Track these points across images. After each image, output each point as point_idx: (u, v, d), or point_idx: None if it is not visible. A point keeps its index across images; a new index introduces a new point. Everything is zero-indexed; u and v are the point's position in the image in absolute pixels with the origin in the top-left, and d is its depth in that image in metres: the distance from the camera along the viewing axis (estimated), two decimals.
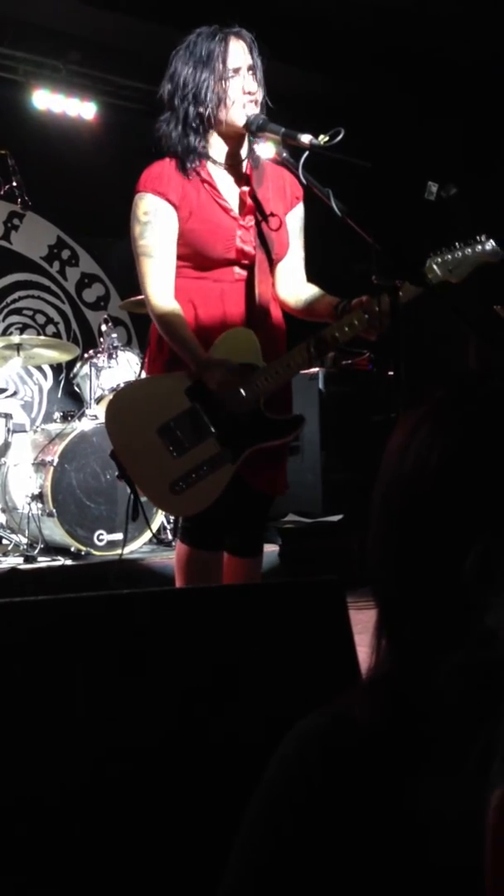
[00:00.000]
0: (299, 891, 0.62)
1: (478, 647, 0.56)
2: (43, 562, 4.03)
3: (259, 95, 2.33)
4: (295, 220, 2.49)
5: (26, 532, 4.17)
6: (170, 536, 4.41)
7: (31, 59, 5.39)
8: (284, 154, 2.23)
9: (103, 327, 4.83)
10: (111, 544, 4.08)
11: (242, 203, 2.37)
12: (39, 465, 4.15)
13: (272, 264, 2.41)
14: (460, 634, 0.57)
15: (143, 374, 2.57)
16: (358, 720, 0.63)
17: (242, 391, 2.26)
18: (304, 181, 2.17)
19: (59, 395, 5.61)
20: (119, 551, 3.93)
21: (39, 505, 4.07)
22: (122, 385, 4.31)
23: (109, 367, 4.52)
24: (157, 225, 2.32)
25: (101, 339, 4.78)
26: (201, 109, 2.30)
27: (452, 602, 0.60)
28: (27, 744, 0.97)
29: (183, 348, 2.28)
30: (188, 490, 2.26)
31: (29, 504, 4.09)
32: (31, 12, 5.14)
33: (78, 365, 4.72)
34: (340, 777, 0.62)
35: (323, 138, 2.17)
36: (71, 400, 5.41)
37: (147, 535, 4.19)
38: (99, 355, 4.57)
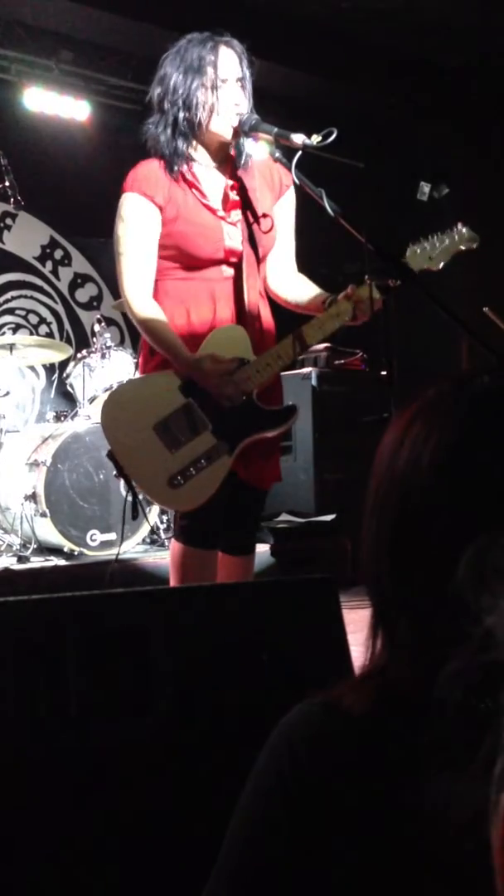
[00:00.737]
0: (290, 882, 0.62)
1: (478, 649, 0.56)
2: (36, 562, 4.02)
3: (245, 108, 2.33)
4: (285, 208, 2.48)
5: (19, 532, 4.16)
6: (163, 536, 4.41)
7: (23, 58, 5.38)
8: (277, 154, 2.24)
9: (96, 327, 4.83)
10: (104, 544, 4.08)
11: (226, 198, 2.38)
12: (32, 466, 4.14)
13: (260, 260, 2.41)
14: (456, 633, 0.57)
15: (138, 375, 2.58)
16: (350, 711, 0.63)
17: (234, 382, 2.28)
18: (297, 181, 2.18)
19: (52, 396, 5.60)
20: (112, 551, 3.93)
21: (32, 505, 4.06)
22: (115, 385, 4.30)
23: (102, 367, 4.52)
24: (139, 226, 2.34)
25: (94, 340, 4.78)
26: (190, 115, 2.32)
27: (447, 599, 0.60)
28: (20, 743, 0.98)
29: (167, 349, 2.31)
30: (186, 484, 2.28)
31: (22, 504, 4.09)
32: (23, 12, 5.13)
33: (71, 365, 4.71)
34: (329, 766, 0.62)
35: (315, 138, 2.17)
36: (64, 400, 5.41)
37: (140, 536, 4.19)
38: (92, 355, 4.56)
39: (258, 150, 2.48)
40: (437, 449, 0.64)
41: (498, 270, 5.17)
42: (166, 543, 4.29)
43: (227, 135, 2.33)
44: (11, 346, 4.42)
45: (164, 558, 3.96)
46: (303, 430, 5.11)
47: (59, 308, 6.04)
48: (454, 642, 0.56)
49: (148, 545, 4.39)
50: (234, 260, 2.37)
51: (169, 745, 0.98)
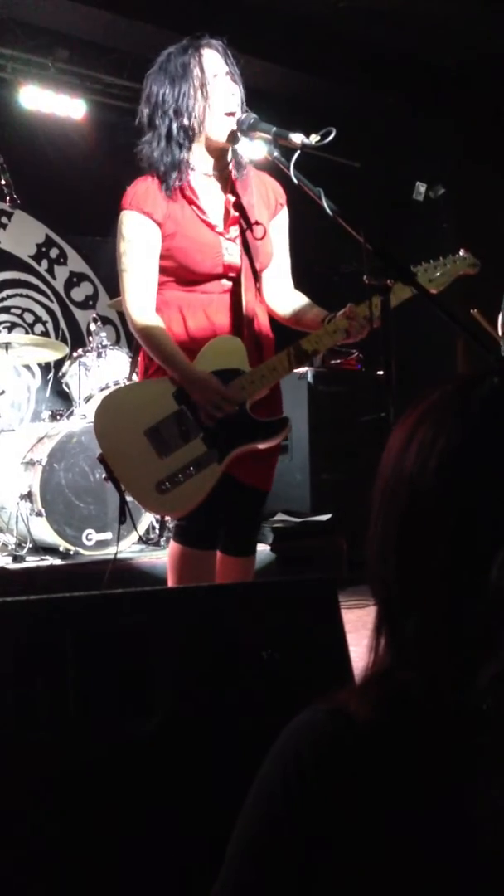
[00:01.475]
0: (295, 886, 0.62)
1: None
2: (31, 561, 4.02)
3: (239, 97, 2.34)
4: (279, 226, 2.51)
5: (15, 532, 4.16)
6: (159, 536, 4.40)
7: (19, 56, 5.37)
8: (275, 154, 2.24)
9: (92, 326, 4.82)
10: (100, 544, 4.08)
11: (227, 214, 2.39)
12: (28, 465, 4.13)
13: (258, 273, 2.43)
14: (469, 634, 0.57)
15: (136, 378, 2.58)
16: (355, 716, 0.63)
17: (228, 397, 2.29)
18: (295, 180, 2.18)
19: (48, 395, 5.59)
20: (107, 551, 3.92)
21: (28, 504, 4.06)
22: (110, 384, 4.30)
23: (98, 366, 4.51)
24: (139, 243, 2.35)
25: (90, 338, 4.77)
26: (185, 122, 2.31)
27: (458, 599, 0.60)
28: (17, 743, 0.97)
29: (168, 364, 2.32)
30: (174, 490, 2.29)
31: (17, 504, 4.08)
32: (19, 9, 5.12)
33: (66, 364, 4.71)
34: (336, 773, 0.62)
35: (314, 138, 2.17)
36: (59, 399, 5.40)
37: (135, 536, 4.18)
38: (87, 354, 4.55)
39: (256, 149, 2.48)
40: (446, 450, 0.64)
41: (495, 270, 5.17)
42: (162, 543, 4.29)
43: (223, 137, 2.33)
44: (7, 345, 4.41)
45: (160, 558, 3.96)
46: (299, 430, 5.11)
47: (55, 307, 6.03)
48: (466, 643, 0.56)
49: (144, 545, 4.39)
50: (232, 274, 2.39)
51: (168, 745, 0.98)
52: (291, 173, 2.17)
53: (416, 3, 5.26)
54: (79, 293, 6.14)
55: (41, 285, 5.96)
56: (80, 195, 5.59)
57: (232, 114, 2.31)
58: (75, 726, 0.97)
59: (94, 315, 5.09)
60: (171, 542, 2.47)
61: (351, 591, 3.78)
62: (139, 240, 2.35)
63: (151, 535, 4.43)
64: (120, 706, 0.99)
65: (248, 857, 0.64)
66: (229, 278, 2.39)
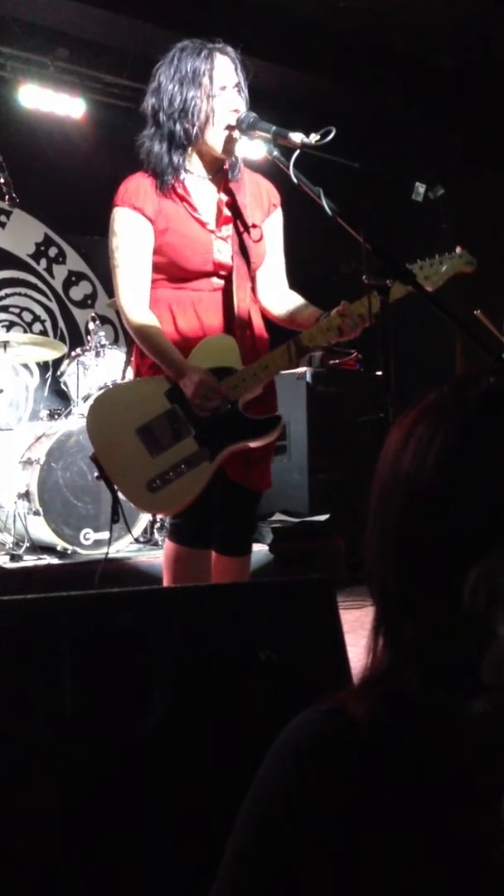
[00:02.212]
0: (294, 887, 0.62)
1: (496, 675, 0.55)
2: (29, 560, 4.01)
3: (242, 110, 2.34)
4: (273, 227, 2.52)
5: (12, 531, 4.15)
6: (156, 536, 4.40)
7: (18, 55, 5.36)
8: (275, 153, 2.23)
9: (90, 325, 4.82)
10: (98, 543, 4.07)
11: (219, 213, 2.40)
12: (26, 464, 4.13)
13: (251, 273, 2.43)
14: (461, 635, 0.57)
15: (130, 372, 2.58)
16: (355, 716, 0.63)
17: (215, 400, 2.29)
18: (294, 180, 2.18)
19: (46, 394, 5.58)
20: (105, 550, 3.91)
21: (26, 503, 4.05)
22: (108, 384, 4.30)
23: (96, 365, 4.50)
24: (132, 239, 2.36)
25: (89, 338, 4.77)
26: (188, 126, 2.31)
27: (452, 601, 0.60)
28: (14, 742, 0.97)
29: (161, 358, 2.32)
30: (165, 488, 2.29)
31: (15, 503, 4.07)
32: (19, 8, 5.11)
33: (65, 363, 4.70)
34: (334, 773, 0.62)
35: (314, 137, 2.17)
36: (58, 398, 5.39)
37: (134, 534, 4.17)
38: (86, 353, 4.55)
39: (255, 149, 2.48)
40: (443, 449, 0.64)
41: (494, 270, 5.18)
42: (159, 542, 4.28)
43: (220, 148, 2.34)
44: (5, 344, 4.41)
45: (157, 557, 3.96)
46: (297, 430, 5.11)
47: (54, 306, 6.03)
48: (464, 644, 0.55)
49: (142, 544, 4.38)
50: (223, 273, 2.39)
51: (166, 745, 0.98)
52: (291, 172, 2.17)
53: (416, 4, 5.26)
54: (77, 292, 6.13)
55: (40, 284, 5.96)
56: (79, 194, 5.59)
57: (232, 128, 2.32)
58: (72, 725, 0.97)
59: (93, 314, 5.09)
60: (167, 541, 2.47)
61: (349, 592, 3.78)
62: (131, 235, 2.36)
63: (148, 535, 4.43)
64: (117, 706, 0.98)
65: (246, 858, 0.64)
66: (220, 276, 2.39)
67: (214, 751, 0.97)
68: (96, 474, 2.41)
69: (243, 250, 2.40)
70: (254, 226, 2.42)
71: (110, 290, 6.04)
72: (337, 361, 5.36)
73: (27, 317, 5.88)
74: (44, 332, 5.86)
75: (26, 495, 4.05)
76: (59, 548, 4.04)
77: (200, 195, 2.41)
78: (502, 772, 0.50)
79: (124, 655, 1.00)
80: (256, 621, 1.08)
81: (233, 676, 1.03)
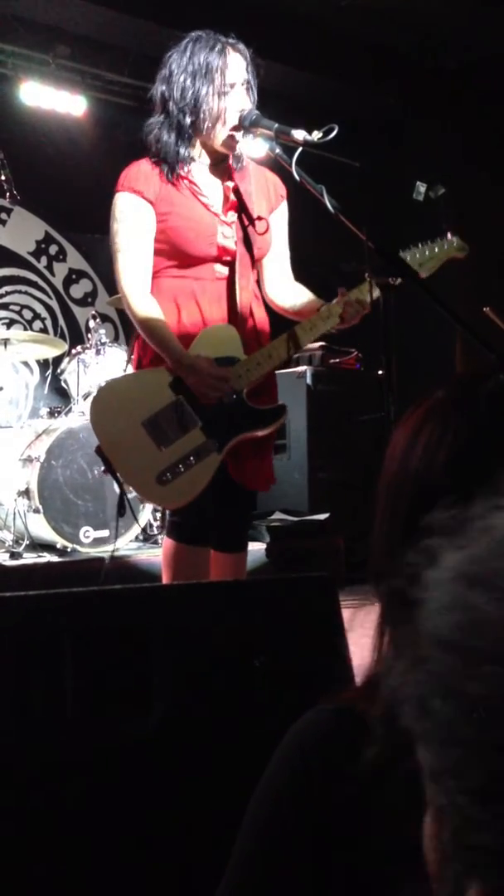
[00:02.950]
0: (303, 886, 0.61)
1: None
2: (28, 558, 4.01)
3: (246, 110, 2.34)
4: (280, 219, 2.51)
5: (12, 528, 4.15)
6: (156, 533, 4.39)
7: (19, 52, 5.36)
8: (277, 150, 2.24)
9: (91, 323, 4.81)
10: (97, 541, 4.07)
11: (225, 199, 2.39)
12: (26, 461, 4.13)
13: (254, 262, 2.42)
14: None
15: (130, 369, 2.58)
16: (361, 715, 0.63)
17: (221, 389, 2.28)
18: (297, 177, 2.18)
19: (46, 391, 5.58)
20: (105, 548, 3.91)
21: (25, 501, 4.05)
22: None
23: (97, 363, 4.50)
24: (133, 223, 2.34)
25: (89, 336, 4.76)
26: (196, 121, 2.31)
27: None
28: (14, 740, 0.97)
29: (162, 348, 2.31)
30: (175, 481, 2.27)
31: (15, 500, 4.07)
32: (20, 5, 5.11)
33: (65, 361, 4.70)
34: (343, 772, 0.62)
35: (316, 134, 2.17)
36: (58, 396, 5.39)
37: (133, 533, 4.17)
38: (86, 351, 4.55)
39: (258, 147, 2.48)
40: (453, 447, 0.64)
41: (494, 270, 5.18)
42: (160, 541, 4.28)
43: (223, 146, 2.35)
44: (5, 342, 4.40)
45: (157, 555, 3.95)
46: (297, 429, 5.10)
47: (54, 304, 6.02)
48: None
49: (141, 542, 4.38)
50: (227, 259, 2.37)
51: (167, 743, 0.98)
52: (293, 170, 2.17)
53: (417, 3, 5.26)
54: (78, 290, 6.13)
55: (40, 282, 5.95)
56: (80, 192, 5.58)
57: (236, 129, 2.32)
58: (73, 724, 0.97)
59: (93, 312, 5.08)
60: (165, 538, 2.46)
61: (348, 591, 3.78)
62: (132, 218, 2.34)
63: (149, 533, 4.43)
64: (118, 704, 0.98)
65: (254, 857, 0.64)
66: (224, 263, 2.37)
67: (215, 749, 0.97)
68: (102, 468, 2.39)
69: (247, 238, 2.39)
70: (259, 217, 2.42)
71: (111, 289, 6.05)
72: (337, 360, 5.36)
73: (27, 314, 5.88)
74: (44, 330, 5.86)
75: (26, 493, 4.05)
76: (58, 545, 4.04)
77: (206, 181, 2.40)
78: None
79: (125, 653, 1.00)
80: (258, 619, 1.08)
81: (234, 674, 1.03)
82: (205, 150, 2.40)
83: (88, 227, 5.90)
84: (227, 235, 2.36)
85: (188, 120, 2.31)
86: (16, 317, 5.80)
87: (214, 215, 2.36)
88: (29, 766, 0.95)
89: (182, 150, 2.33)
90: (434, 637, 0.37)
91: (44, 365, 5.63)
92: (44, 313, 5.97)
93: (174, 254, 2.35)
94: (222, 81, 2.28)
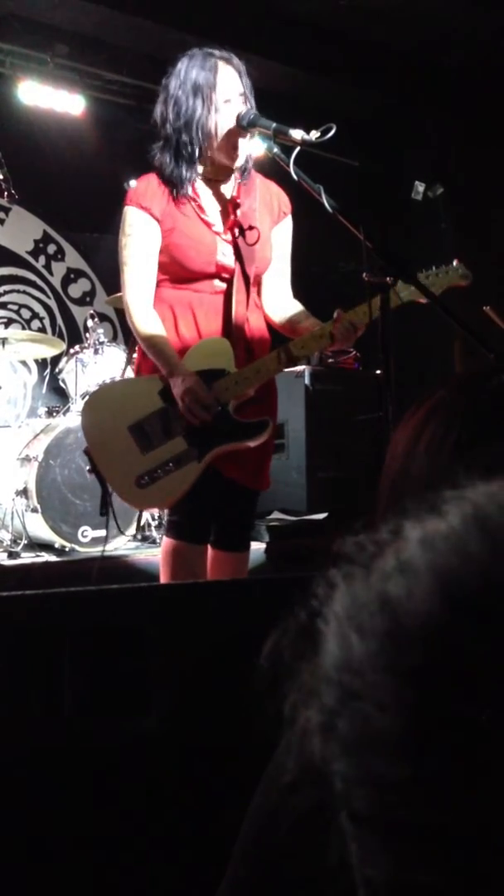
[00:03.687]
0: (300, 889, 0.61)
1: None
2: (26, 558, 4.01)
3: (244, 110, 2.35)
4: (282, 234, 2.54)
5: (10, 528, 4.15)
6: (154, 533, 4.39)
7: (17, 51, 5.35)
8: (275, 150, 2.24)
9: (89, 323, 4.81)
10: (96, 541, 4.06)
11: (226, 216, 2.42)
12: (24, 461, 4.12)
13: (253, 277, 2.45)
14: None
15: (130, 371, 2.63)
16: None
17: (209, 398, 2.32)
18: (294, 177, 2.19)
19: (44, 391, 5.58)
20: (102, 548, 3.91)
21: (23, 500, 4.05)
22: (107, 381, 4.29)
23: (95, 362, 4.50)
24: (139, 238, 2.40)
25: (87, 335, 4.76)
26: (192, 139, 2.35)
27: None
28: (12, 739, 0.97)
29: (157, 357, 2.37)
30: (152, 485, 2.35)
31: (13, 500, 4.07)
32: (19, 4, 5.10)
33: (63, 360, 4.70)
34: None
35: (314, 134, 2.17)
36: (56, 395, 5.39)
37: (130, 532, 4.17)
38: (84, 351, 4.55)
39: (256, 146, 2.48)
40: (458, 447, 0.64)
41: (493, 269, 5.18)
42: (158, 540, 4.28)
43: (226, 160, 2.36)
44: (3, 341, 4.40)
45: (155, 555, 3.95)
46: (295, 429, 5.10)
47: (52, 303, 6.02)
48: None
49: (139, 542, 4.38)
50: (226, 275, 2.42)
51: (167, 743, 0.98)
52: (291, 169, 2.18)
53: (416, 3, 5.25)
54: (76, 289, 6.12)
55: (38, 281, 5.95)
56: (78, 191, 5.58)
57: (238, 134, 2.34)
58: (71, 723, 0.96)
59: (92, 312, 5.08)
60: (164, 537, 2.51)
61: None
62: (139, 234, 2.40)
63: (147, 532, 4.42)
64: (116, 703, 0.98)
65: (259, 858, 0.64)
66: (222, 279, 2.42)
67: (214, 748, 0.97)
68: (87, 468, 2.48)
69: (247, 254, 2.42)
70: (251, 228, 2.44)
71: (109, 288, 6.04)
72: (336, 360, 5.36)
73: (25, 314, 5.88)
74: (42, 330, 5.85)
75: (24, 492, 4.04)
76: (56, 545, 4.04)
77: (209, 197, 2.45)
78: None
79: (124, 652, 1.00)
80: (256, 618, 1.08)
81: (233, 673, 1.03)
82: (209, 164, 2.42)
83: (87, 227, 5.90)
84: (227, 253, 2.43)
85: (185, 139, 2.34)
86: (14, 316, 5.80)
87: (216, 234, 2.41)
88: (27, 765, 0.95)
89: (183, 172, 2.38)
90: (323, 668, 0.37)
91: (42, 364, 5.62)
92: (42, 313, 5.96)
93: (175, 267, 2.41)
94: (215, 98, 2.30)
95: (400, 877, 0.32)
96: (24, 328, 5.71)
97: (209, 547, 2.52)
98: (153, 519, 4.40)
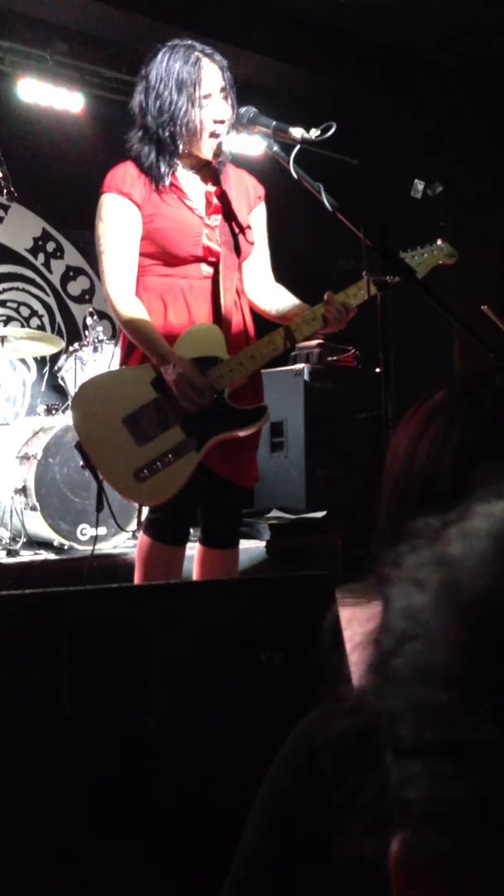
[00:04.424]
0: (307, 886, 0.61)
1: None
2: (25, 556, 4.01)
3: (230, 120, 2.34)
4: (258, 220, 2.53)
5: (9, 526, 4.15)
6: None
7: (17, 48, 5.35)
8: (275, 148, 2.23)
9: (88, 320, 4.81)
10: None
11: (208, 203, 2.41)
12: (23, 459, 4.12)
13: (238, 263, 2.43)
14: None
15: (116, 365, 2.60)
16: (369, 715, 0.62)
17: (204, 383, 2.29)
18: (294, 175, 2.18)
19: (43, 389, 5.57)
20: (102, 545, 3.90)
21: (22, 499, 4.04)
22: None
23: (94, 360, 4.50)
24: (118, 224, 2.35)
25: (86, 333, 4.76)
26: (173, 133, 2.33)
27: None
28: (11, 739, 0.97)
29: (146, 346, 2.32)
30: (152, 478, 2.28)
31: (12, 498, 4.07)
32: (18, 2, 5.09)
33: (62, 358, 4.69)
34: (352, 772, 0.61)
35: (314, 132, 2.17)
36: (55, 393, 5.38)
37: (131, 528, 4.17)
38: (84, 349, 4.54)
39: (255, 144, 2.48)
40: (460, 446, 0.64)
41: (492, 268, 5.18)
42: None
43: (208, 155, 2.36)
44: (3, 339, 4.39)
45: None
46: (294, 427, 5.10)
47: (51, 301, 6.01)
48: None
49: (137, 540, 4.37)
50: (212, 259, 2.39)
51: (167, 743, 0.98)
52: (291, 168, 2.17)
53: (415, 1, 5.25)
54: (75, 287, 6.12)
55: (37, 279, 5.94)
56: (77, 189, 5.56)
57: (217, 135, 2.33)
58: (69, 722, 0.96)
59: (91, 309, 5.07)
60: (141, 534, 2.47)
61: (345, 589, 3.78)
62: (117, 220, 2.35)
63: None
64: (116, 703, 0.98)
65: (262, 858, 0.64)
66: (209, 263, 2.39)
67: (214, 748, 0.97)
68: (81, 463, 2.41)
69: (231, 241, 2.41)
70: (240, 219, 2.43)
71: None
72: (334, 358, 5.36)
73: (24, 311, 5.87)
74: (41, 327, 5.85)
75: (23, 490, 4.04)
76: (55, 543, 4.04)
77: (190, 185, 2.42)
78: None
79: (124, 651, 1.00)
80: (255, 617, 1.08)
81: (233, 672, 1.03)
82: (189, 158, 2.41)
83: (86, 224, 5.85)
84: (211, 237, 2.39)
85: (167, 133, 2.32)
86: (13, 314, 5.79)
87: (199, 218, 2.38)
88: (26, 765, 0.95)
89: (164, 165, 2.35)
90: (391, 632, 0.41)
91: (41, 362, 5.62)
92: (41, 310, 5.96)
93: (161, 254, 2.37)
94: (198, 93, 2.29)
95: (435, 794, 0.36)
96: (23, 326, 5.70)
97: (199, 545, 2.51)
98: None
